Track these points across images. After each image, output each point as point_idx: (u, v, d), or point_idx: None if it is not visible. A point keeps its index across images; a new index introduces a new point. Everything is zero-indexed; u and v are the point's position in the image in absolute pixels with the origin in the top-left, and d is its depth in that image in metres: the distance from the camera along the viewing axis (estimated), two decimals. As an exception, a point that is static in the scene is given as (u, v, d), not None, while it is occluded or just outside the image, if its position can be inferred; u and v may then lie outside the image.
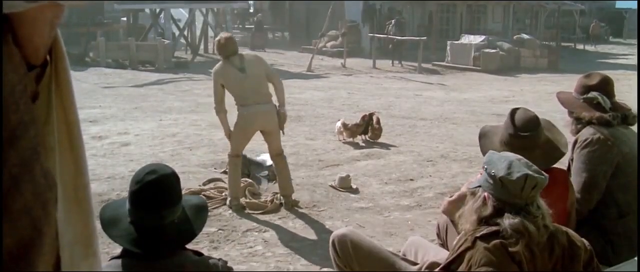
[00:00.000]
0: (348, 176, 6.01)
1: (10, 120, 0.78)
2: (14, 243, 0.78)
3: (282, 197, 5.30)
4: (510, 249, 2.07)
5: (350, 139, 7.96)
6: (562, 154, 2.93)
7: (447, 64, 19.69)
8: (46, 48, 0.92)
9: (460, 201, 2.63)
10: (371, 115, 8.07)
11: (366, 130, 7.96)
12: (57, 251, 0.91)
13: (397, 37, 19.10)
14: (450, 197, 2.92)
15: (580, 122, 3.20)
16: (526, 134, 2.80)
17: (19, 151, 0.79)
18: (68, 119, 0.97)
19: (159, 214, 1.98)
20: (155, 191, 1.98)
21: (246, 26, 31.83)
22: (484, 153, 2.87)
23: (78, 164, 0.99)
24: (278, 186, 5.38)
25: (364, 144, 7.89)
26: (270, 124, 5.08)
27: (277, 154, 5.28)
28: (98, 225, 1.09)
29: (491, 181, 2.16)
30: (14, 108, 0.79)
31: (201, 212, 2.17)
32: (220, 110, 5.06)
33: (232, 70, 4.92)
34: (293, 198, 5.32)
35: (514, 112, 2.89)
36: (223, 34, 5.19)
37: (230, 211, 5.11)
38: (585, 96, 3.21)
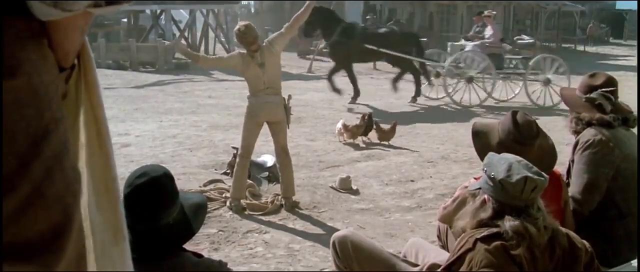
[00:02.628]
0: (348, 177, 6.01)
1: (44, 116, 0.86)
2: (47, 228, 0.86)
3: (282, 199, 5.31)
4: (510, 250, 2.07)
5: (351, 140, 7.96)
6: (554, 160, 2.89)
7: (448, 66, 19.66)
8: (75, 52, 1.00)
9: (457, 206, 2.62)
10: (371, 115, 8.09)
11: (366, 132, 7.96)
12: (83, 237, 0.98)
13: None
14: (445, 205, 2.89)
15: (580, 122, 3.19)
16: (530, 141, 2.78)
17: (52, 144, 0.87)
18: (97, 117, 1.06)
19: (153, 216, 1.96)
20: (147, 194, 1.96)
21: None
22: (478, 151, 2.86)
23: (107, 158, 1.07)
24: (280, 186, 5.38)
25: (364, 145, 7.89)
26: (277, 115, 5.19)
27: (283, 151, 5.30)
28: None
29: (491, 183, 2.16)
30: (48, 106, 0.87)
31: (200, 210, 2.15)
32: (204, 60, 5.45)
33: (253, 65, 5.05)
34: (294, 199, 5.33)
35: (515, 116, 2.84)
36: (242, 22, 5.29)
37: (230, 212, 5.11)
38: (587, 96, 3.21)
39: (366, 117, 8.00)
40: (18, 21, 0.83)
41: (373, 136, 8.10)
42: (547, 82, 11.60)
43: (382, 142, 8.00)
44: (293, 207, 5.25)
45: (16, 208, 0.81)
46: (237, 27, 5.21)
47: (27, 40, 0.85)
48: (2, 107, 0.79)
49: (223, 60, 5.55)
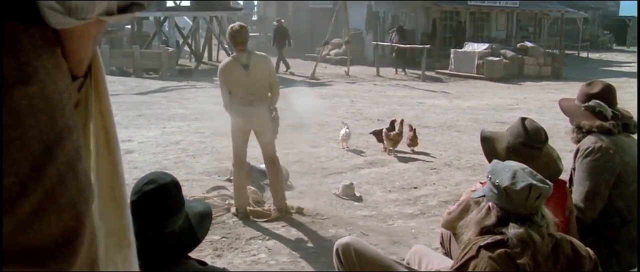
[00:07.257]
0: (351, 184, 6.01)
1: (58, 123, 0.87)
2: (60, 233, 0.87)
3: (274, 210, 5.22)
4: (514, 258, 2.06)
5: (391, 149, 7.76)
6: (560, 170, 2.91)
7: (451, 72, 19.72)
8: (88, 61, 1.01)
9: (460, 213, 2.62)
10: (402, 121, 7.96)
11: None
12: (96, 242, 1.00)
13: (400, 45, 19.13)
14: (449, 211, 2.89)
15: (581, 131, 3.20)
16: (539, 145, 2.80)
17: (65, 151, 0.88)
18: (106, 124, 1.07)
19: (159, 224, 1.96)
20: (154, 201, 1.97)
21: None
22: (487, 155, 2.88)
23: (114, 164, 1.09)
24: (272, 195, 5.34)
25: (392, 155, 7.75)
26: (262, 125, 5.04)
27: (270, 160, 5.19)
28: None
29: (495, 191, 2.16)
30: (61, 113, 0.88)
31: (205, 219, 2.16)
32: (231, 106, 5.02)
33: (236, 68, 4.91)
34: (297, 206, 5.30)
35: (524, 121, 2.88)
36: (236, 23, 5.23)
37: (233, 219, 5.11)
38: (586, 104, 3.21)
39: (401, 123, 7.85)
40: (32, 29, 0.84)
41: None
42: None
43: (414, 149, 7.89)
44: (286, 213, 5.18)
45: (29, 213, 0.82)
46: (231, 26, 5.12)
47: (42, 48, 0.86)
48: (12, 113, 0.80)
49: (226, 85, 4.99)
